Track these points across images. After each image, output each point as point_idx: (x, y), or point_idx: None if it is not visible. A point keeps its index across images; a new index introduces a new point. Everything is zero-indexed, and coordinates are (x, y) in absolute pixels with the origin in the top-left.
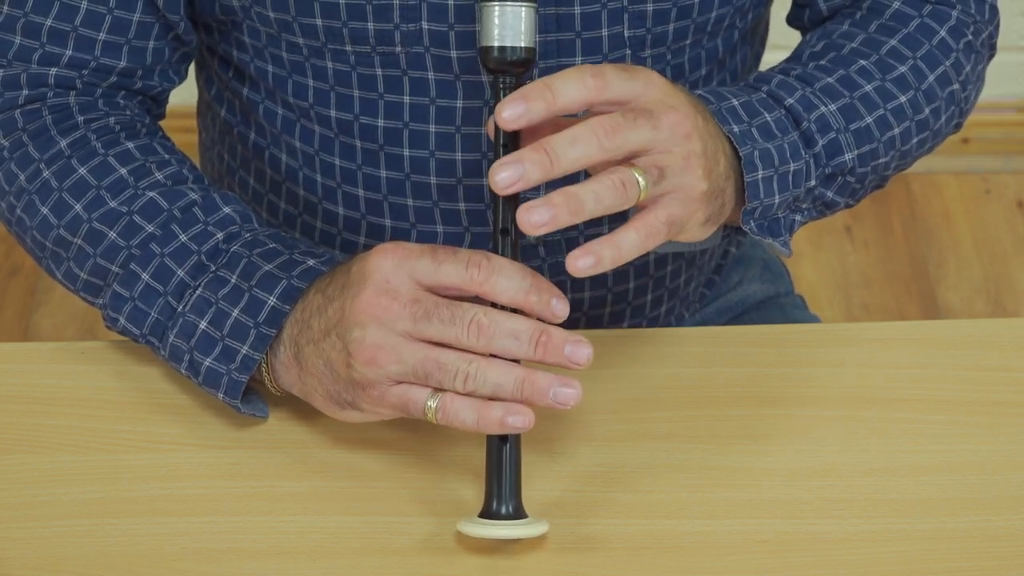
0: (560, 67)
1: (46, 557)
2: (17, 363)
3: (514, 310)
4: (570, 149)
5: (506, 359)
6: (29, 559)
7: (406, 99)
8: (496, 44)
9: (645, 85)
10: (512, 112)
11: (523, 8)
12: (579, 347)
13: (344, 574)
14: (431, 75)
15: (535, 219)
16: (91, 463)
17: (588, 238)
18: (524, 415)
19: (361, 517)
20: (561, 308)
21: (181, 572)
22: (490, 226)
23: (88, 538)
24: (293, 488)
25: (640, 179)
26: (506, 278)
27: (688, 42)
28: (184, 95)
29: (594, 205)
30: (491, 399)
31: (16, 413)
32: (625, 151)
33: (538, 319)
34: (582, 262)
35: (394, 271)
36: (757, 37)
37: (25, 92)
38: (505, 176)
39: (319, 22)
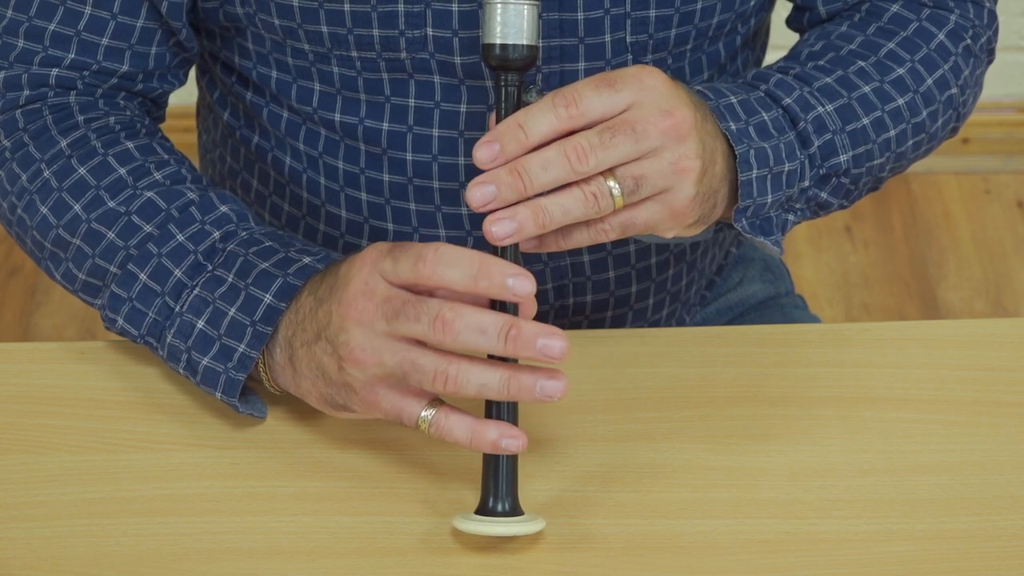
0: (563, 72)
1: (46, 557)
2: (17, 363)
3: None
4: (542, 173)
5: (479, 356)
6: (29, 559)
7: (411, 102)
8: (498, 42)
9: (637, 92)
10: (486, 154)
11: (525, 7)
12: (552, 339)
13: (344, 574)
14: (436, 79)
15: (497, 231)
16: (91, 463)
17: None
18: (518, 439)
19: (361, 517)
20: (520, 285)
21: (181, 572)
22: None
23: (88, 538)
24: (293, 488)
25: (614, 188)
26: (452, 267)
27: (689, 47)
28: (184, 95)
29: (561, 217)
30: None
31: (16, 413)
32: (602, 169)
33: (505, 302)
34: (497, 227)
35: (370, 272)
36: (758, 42)
37: (26, 92)
38: (478, 195)
39: (324, 29)
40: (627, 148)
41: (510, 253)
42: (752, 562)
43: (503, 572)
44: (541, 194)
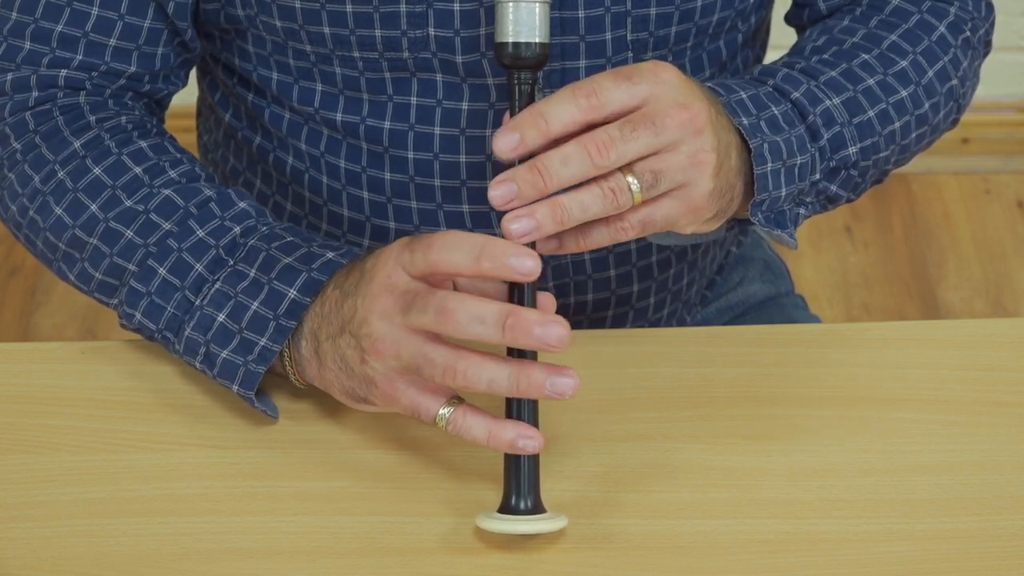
0: (564, 70)
1: (46, 557)
2: (17, 363)
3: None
4: (562, 169)
5: (493, 351)
6: (29, 559)
7: (413, 100)
8: (511, 40)
9: (653, 86)
10: (506, 143)
11: (537, 5)
12: (550, 327)
13: (344, 574)
14: (439, 77)
15: (516, 228)
16: (91, 463)
17: None
18: (535, 439)
19: (361, 517)
20: (525, 264)
21: (181, 572)
22: (494, 228)
23: (88, 538)
24: (293, 488)
25: (633, 184)
26: (455, 251)
27: (689, 44)
28: (184, 95)
29: (580, 214)
30: (486, 392)
31: (16, 413)
32: (622, 163)
33: (523, 301)
34: (516, 224)
35: (393, 266)
36: (758, 41)
37: (35, 94)
38: (499, 194)
39: (327, 30)
40: (647, 141)
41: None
42: (752, 562)
43: (502, 572)
44: (559, 192)
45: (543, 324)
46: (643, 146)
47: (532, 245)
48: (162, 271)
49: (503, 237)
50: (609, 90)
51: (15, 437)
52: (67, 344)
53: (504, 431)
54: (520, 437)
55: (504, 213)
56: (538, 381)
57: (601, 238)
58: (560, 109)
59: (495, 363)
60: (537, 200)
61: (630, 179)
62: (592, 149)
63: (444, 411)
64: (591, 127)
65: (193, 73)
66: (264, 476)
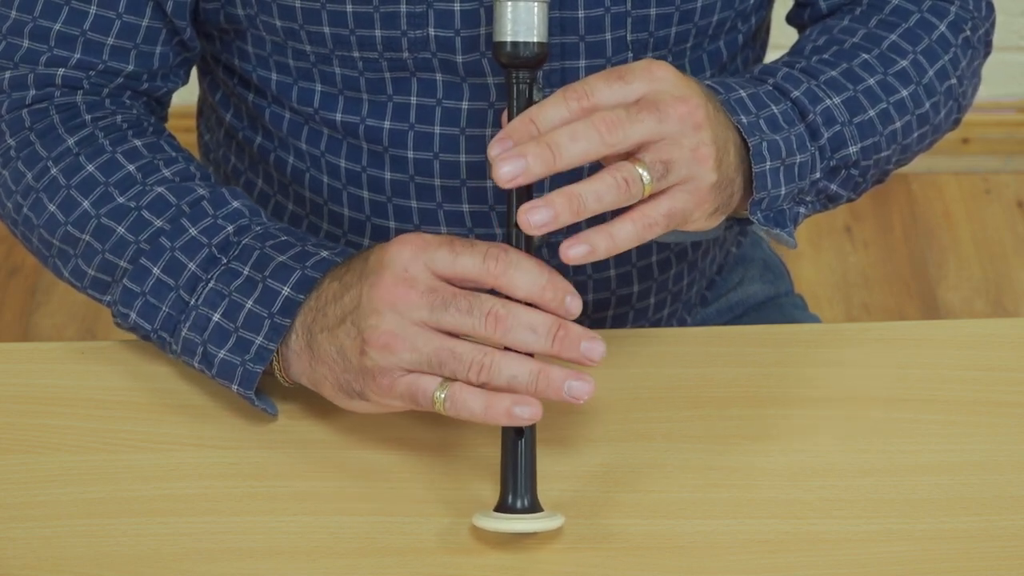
0: (564, 70)
1: (46, 557)
2: (17, 363)
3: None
4: (572, 144)
5: (520, 352)
6: (29, 559)
7: (413, 100)
8: (509, 39)
9: (648, 83)
10: (500, 151)
11: (535, 4)
12: (594, 343)
13: (344, 574)
14: (438, 76)
15: (535, 219)
16: (91, 463)
17: None
18: (531, 406)
19: (361, 517)
20: (575, 305)
21: (181, 572)
22: (493, 228)
23: (88, 538)
24: (293, 488)
25: (644, 174)
26: (523, 272)
27: (689, 45)
28: (184, 95)
29: (595, 204)
30: (505, 391)
31: (16, 413)
32: (629, 144)
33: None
34: (575, 250)
35: (412, 260)
36: (758, 41)
37: (32, 92)
38: (508, 170)
39: (327, 30)
40: (651, 126)
41: (524, 247)
42: (752, 562)
43: (502, 572)
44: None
45: (589, 339)
46: (648, 130)
47: (552, 241)
48: (156, 270)
49: (519, 229)
50: (601, 91)
51: (15, 437)
52: (67, 344)
53: (500, 400)
54: (515, 404)
55: (502, 204)
56: (557, 383)
57: (629, 236)
58: (551, 113)
59: (518, 360)
60: (547, 188)
61: (640, 169)
62: (601, 126)
63: (441, 392)
64: None
65: (194, 73)
66: (264, 476)
